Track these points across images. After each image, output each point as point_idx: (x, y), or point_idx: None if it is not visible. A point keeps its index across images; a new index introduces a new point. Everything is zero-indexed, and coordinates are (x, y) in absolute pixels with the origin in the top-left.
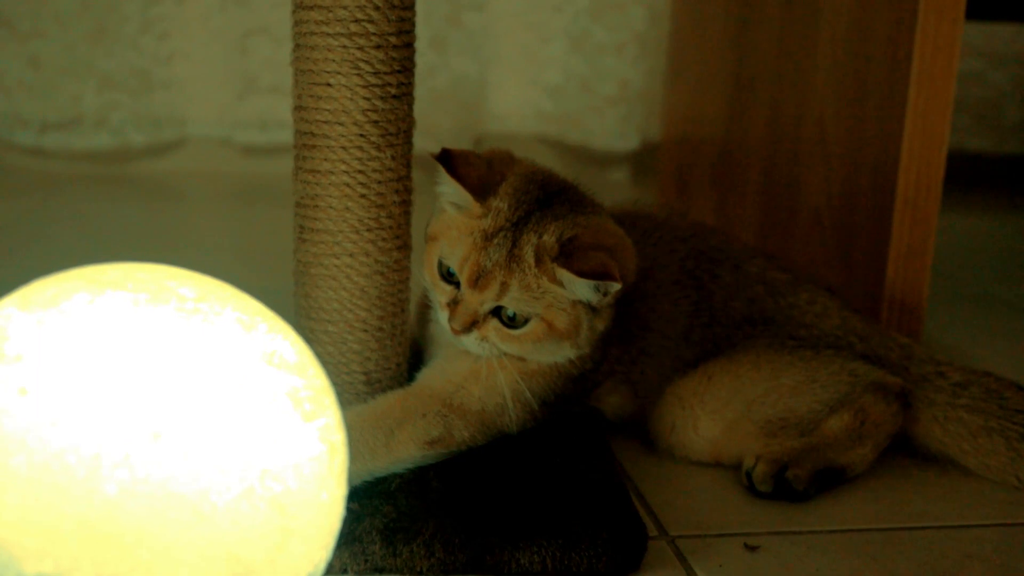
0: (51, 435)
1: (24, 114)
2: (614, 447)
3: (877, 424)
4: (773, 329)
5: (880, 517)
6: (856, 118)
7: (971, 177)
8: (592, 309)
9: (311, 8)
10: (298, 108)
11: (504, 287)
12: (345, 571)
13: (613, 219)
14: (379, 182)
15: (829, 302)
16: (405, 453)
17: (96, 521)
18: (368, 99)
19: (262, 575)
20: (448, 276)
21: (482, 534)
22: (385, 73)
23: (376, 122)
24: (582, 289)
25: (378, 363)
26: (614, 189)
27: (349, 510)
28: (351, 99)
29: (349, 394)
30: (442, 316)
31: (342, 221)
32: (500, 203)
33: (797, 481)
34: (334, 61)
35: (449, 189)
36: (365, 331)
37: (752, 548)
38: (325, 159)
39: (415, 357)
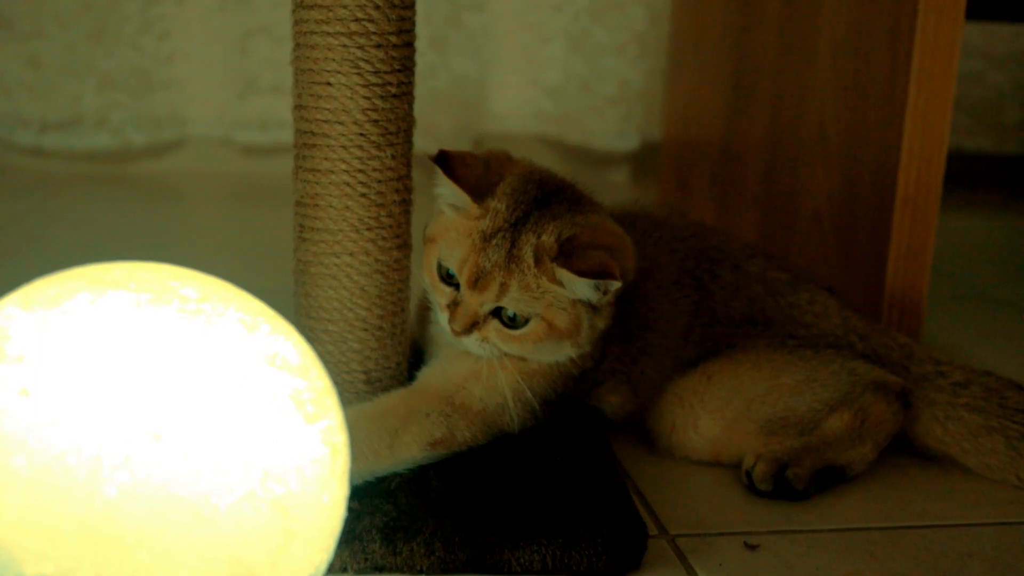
0: (52, 436)
1: (24, 114)
2: (614, 447)
3: (877, 423)
4: (773, 329)
5: (880, 516)
6: (856, 118)
7: (971, 177)
8: (592, 308)
9: (311, 7)
10: (298, 107)
11: (504, 288)
12: (345, 570)
13: (613, 218)
14: (379, 181)
15: (829, 301)
16: (408, 454)
17: (96, 523)
18: (368, 98)
19: None
20: (448, 278)
21: (482, 533)
22: (385, 72)
23: (376, 121)
24: (582, 288)
25: (378, 362)
26: (614, 189)
27: (349, 509)
28: (351, 98)
29: (349, 393)
30: (442, 318)
31: (342, 220)
32: (498, 204)
33: (797, 480)
34: (334, 60)
35: (447, 191)
36: (365, 330)
37: (752, 547)
38: (325, 158)
39: (415, 357)
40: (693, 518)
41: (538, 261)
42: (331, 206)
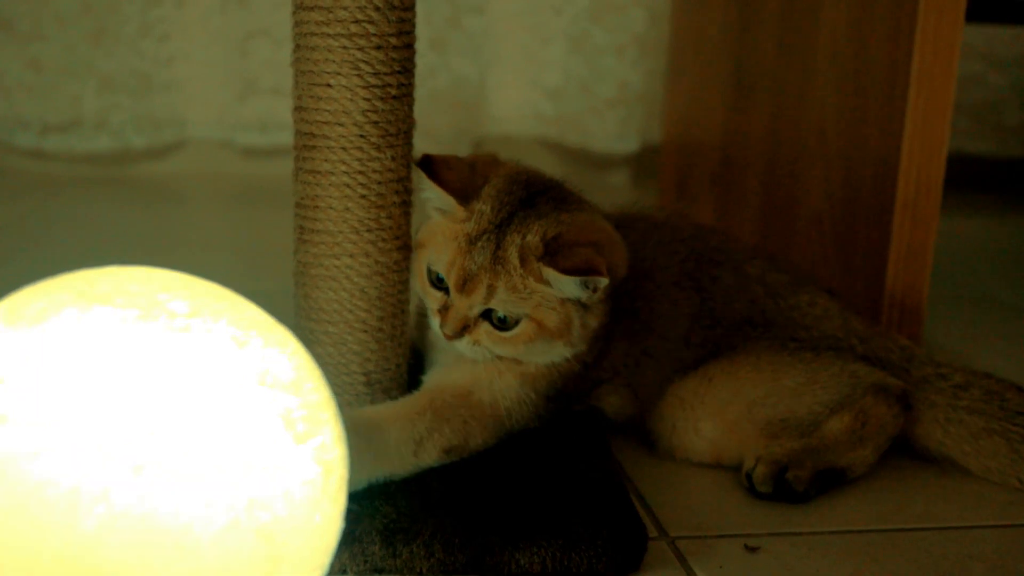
0: (31, 467)
1: (24, 116)
2: (614, 447)
3: (878, 426)
4: (774, 331)
5: (881, 518)
6: (856, 119)
7: (971, 179)
8: (583, 306)
9: (311, 9)
10: (298, 109)
11: (491, 290)
12: (345, 571)
13: (612, 218)
14: (379, 183)
15: (830, 304)
16: (428, 460)
17: (74, 556)
18: (368, 100)
19: None
20: (438, 282)
21: (482, 534)
22: (385, 74)
23: (376, 123)
24: (569, 286)
25: (378, 364)
26: (614, 191)
27: (349, 511)
28: (351, 100)
29: (349, 395)
30: (434, 322)
31: (342, 222)
32: (483, 206)
33: (797, 482)
34: (334, 62)
35: (433, 195)
36: (365, 332)
37: (752, 549)
38: (325, 160)
39: (415, 360)
40: (693, 520)
41: (524, 261)
42: (331, 208)
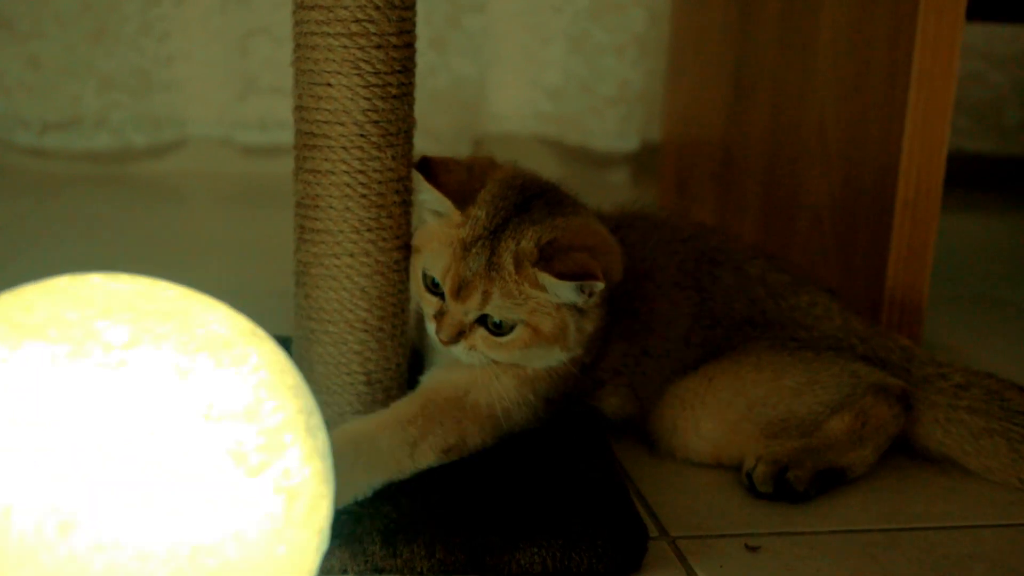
0: None
1: (24, 114)
2: (614, 447)
3: (878, 426)
4: (774, 331)
5: (881, 518)
6: (856, 119)
7: (971, 178)
8: (579, 310)
9: (312, 8)
10: (298, 108)
11: (486, 296)
12: (345, 571)
13: (612, 218)
14: (380, 182)
15: (830, 303)
16: (426, 461)
17: None
18: (369, 99)
19: None
20: (434, 287)
21: (482, 534)
22: (386, 73)
23: (377, 122)
24: (565, 291)
25: (378, 363)
26: (614, 190)
27: (349, 511)
28: (352, 99)
29: (349, 395)
30: (430, 328)
31: (343, 221)
32: (478, 211)
33: (798, 482)
34: (335, 61)
35: (429, 197)
36: (365, 331)
37: (753, 549)
38: (326, 159)
39: (415, 360)
40: (694, 520)
41: (519, 267)
42: (331, 207)
